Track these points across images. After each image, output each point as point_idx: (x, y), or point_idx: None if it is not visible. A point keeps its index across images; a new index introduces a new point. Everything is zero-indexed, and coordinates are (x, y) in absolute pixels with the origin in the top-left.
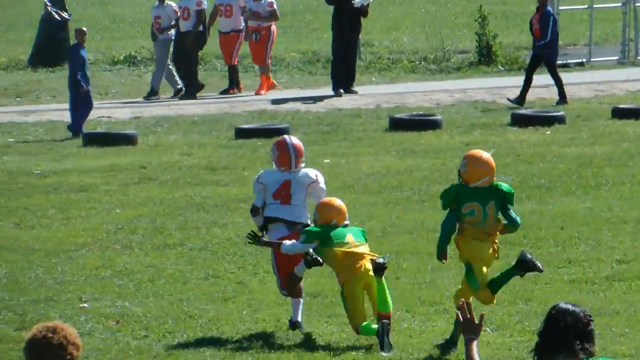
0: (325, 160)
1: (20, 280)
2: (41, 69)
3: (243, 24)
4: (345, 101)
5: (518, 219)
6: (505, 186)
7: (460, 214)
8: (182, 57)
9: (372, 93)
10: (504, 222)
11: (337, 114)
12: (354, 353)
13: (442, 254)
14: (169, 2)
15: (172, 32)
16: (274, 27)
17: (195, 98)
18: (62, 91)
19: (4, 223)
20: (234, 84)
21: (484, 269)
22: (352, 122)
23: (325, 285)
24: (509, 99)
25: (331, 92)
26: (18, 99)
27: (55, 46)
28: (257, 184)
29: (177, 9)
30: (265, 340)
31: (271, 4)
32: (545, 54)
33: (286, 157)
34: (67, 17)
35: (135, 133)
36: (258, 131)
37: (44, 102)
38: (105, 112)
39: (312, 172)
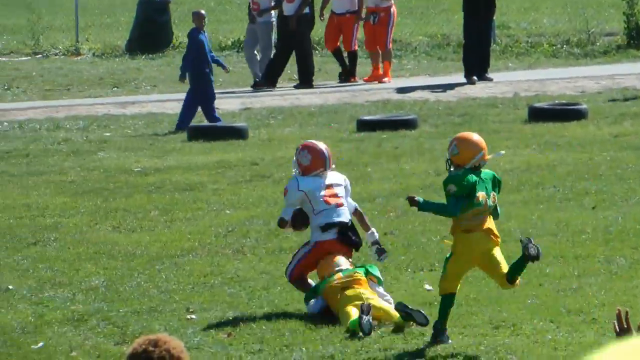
0: None
1: (121, 290)
2: (140, 55)
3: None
4: (479, 89)
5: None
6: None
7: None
8: (289, 43)
9: (508, 80)
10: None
11: (470, 103)
12: None
13: None
14: None
15: (273, 14)
16: (394, 8)
17: (311, 87)
18: (163, 80)
19: (102, 226)
20: (354, 72)
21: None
22: (487, 113)
23: (460, 294)
24: None
25: (463, 80)
26: (115, 89)
27: (155, 30)
28: (298, 192)
29: None
30: (395, 349)
31: None
32: None
33: (321, 161)
34: None
35: (246, 126)
36: (382, 123)
37: (144, 92)
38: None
39: (338, 174)
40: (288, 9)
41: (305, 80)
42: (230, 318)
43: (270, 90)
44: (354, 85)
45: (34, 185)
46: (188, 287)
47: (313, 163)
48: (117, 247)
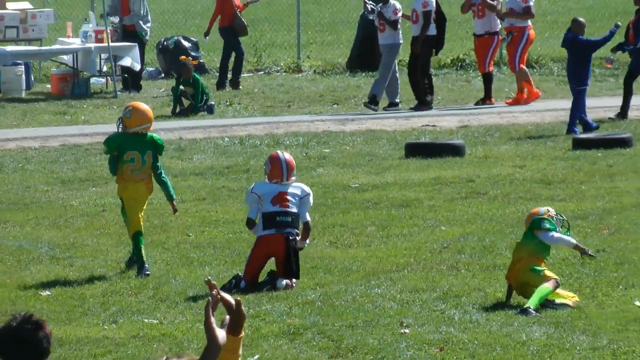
0: None
1: (336, 304)
2: (360, 73)
3: (499, 25)
4: None
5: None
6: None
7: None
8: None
9: None
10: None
11: None
12: None
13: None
14: (392, 1)
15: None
16: (529, 30)
17: (430, 108)
18: (383, 98)
19: (319, 241)
20: (489, 94)
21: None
22: None
23: None
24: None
25: None
26: (335, 105)
27: (375, 48)
28: (251, 194)
29: (398, 9)
30: None
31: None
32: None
33: (277, 170)
34: None
35: (463, 143)
36: (598, 141)
37: (363, 110)
38: (431, 120)
39: (305, 187)
40: (414, 29)
41: (421, 101)
42: (443, 333)
43: (488, 107)
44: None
45: None
46: (402, 302)
47: (272, 172)
48: (333, 262)
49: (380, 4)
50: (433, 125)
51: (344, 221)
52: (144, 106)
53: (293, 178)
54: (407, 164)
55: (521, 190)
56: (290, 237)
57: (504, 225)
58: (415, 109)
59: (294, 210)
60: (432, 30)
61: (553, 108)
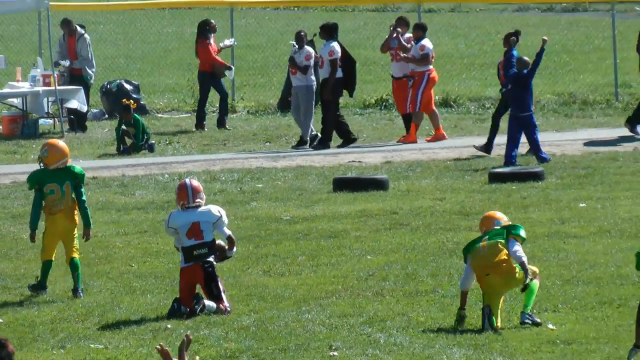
0: (581, 204)
1: (270, 329)
2: (290, 113)
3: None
4: (602, 146)
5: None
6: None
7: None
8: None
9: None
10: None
11: (593, 157)
12: None
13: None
14: (306, 47)
15: (313, 78)
16: (431, 73)
17: (327, 147)
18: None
19: (253, 270)
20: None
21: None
22: (609, 166)
23: (580, 332)
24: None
25: (585, 135)
26: (267, 143)
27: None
28: (169, 229)
29: (310, 55)
30: None
31: (422, 47)
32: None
33: (183, 194)
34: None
35: (387, 178)
36: (512, 175)
37: (290, 147)
38: (357, 157)
39: (215, 209)
40: (323, 74)
41: (324, 141)
42: (370, 355)
43: (408, 145)
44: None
45: None
46: (331, 326)
47: (179, 196)
48: (267, 290)
49: (295, 48)
50: (359, 162)
51: (276, 251)
52: (60, 143)
53: (199, 200)
54: (335, 197)
55: (441, 221)
56: (206, 265)
57: (426, 254)
58: (315, 147)
59: (209, 239)
60: (339, 74)
61: (470, 144)
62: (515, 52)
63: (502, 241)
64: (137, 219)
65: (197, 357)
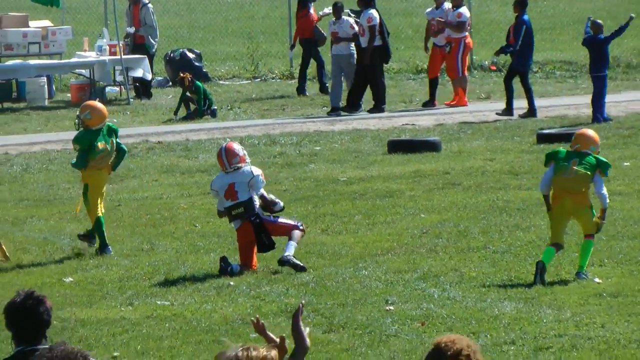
0: (625, 164)
1: (328, 285)
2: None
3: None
4: None
5: None
6: None
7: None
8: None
9: None
10: None
11: (637, 117)
12: None
13: None
14: (345, 18)
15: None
16: (467, 39)
17: (382, 111)
18: (366, 100)
19: (312, 229)
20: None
21: None
22: None
23: (626, 285)
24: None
25: (631, 97)
26: (324, 108)
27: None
28: (212, 191)
29: (353, 24)
30: (571, 339)
31: (459, 15)
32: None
33: (220, 160)
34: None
35: (439, 140)
36: (559, 136)
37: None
38: (410, 120)
39: (251, 169)
40: (362, 42)
41: (378, 106)
42: (424, 309)
43: (462, 107)
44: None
45: None
46: (387, 282)
47: (219, 164)
48: (325, 248)
49: (334, 19)
50: (412, 124)
51: (334, 211)
52: (99, 105)
53: (238, 163)
54: (390, 159)
55: (491, 181)
56: (252, 219)
57: (477, 212)
58: (371, 111)
59: (244, 198)
60: (378, 42)
61: (519, 107)
62: (526, 17)
63: (590, 173)
64: (201, 181)
65: (308, 329)
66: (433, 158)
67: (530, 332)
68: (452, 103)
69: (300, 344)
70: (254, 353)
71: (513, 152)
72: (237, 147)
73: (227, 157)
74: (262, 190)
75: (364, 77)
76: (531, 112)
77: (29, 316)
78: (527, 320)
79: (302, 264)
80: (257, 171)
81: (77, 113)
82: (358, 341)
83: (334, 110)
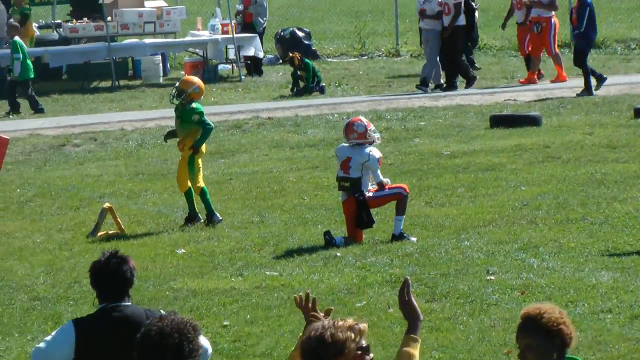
0: None
1: (431, 255)
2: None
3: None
4: None
5: None
6: None
7: None
8: (448, 51)
9: None
10: None
11: None
12: None
13: None
14: None
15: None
16: (554, 18)
17: (455, 89)
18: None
19: (416, 201)
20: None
21: None
22: None
23: None
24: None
25: None
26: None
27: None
28: (336, 156)
29: (440, 1)
30: None
31: None
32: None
33: (343, 131)
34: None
35: (540, 115)
36: None
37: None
38: (512, 95)
39: (370, 151)
40: (446, 20)
41: (450, 82)
42: (523, 279)
43: (562, 83)
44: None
45: None
46: (488, 252)
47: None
48: (429, 220)
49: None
50: (514, 100)
51: (438, 184)
52: (198, 79)
53: (356, 139)
54: (492, 133)
55: (590, 154)
56: (356, 195)
57: (576, 184)
58: (444, 89)
59: (354, 176)
60: (462, 21)
61: (617, 83)
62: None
63: None
64: (309, 156)
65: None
66: (534, 132)
67: (627, 301)
68: (553, 80)
69: (414, 316)
70: (340, 323)
71: (611, 127)
72: (358, 124)
73: (346, 130)
74: (379, 173)
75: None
76: (588, 89)
77: (112, 274)
78: (623, 289)
79: (411, 237)
80: (375, 155)
81: (179, 87)
82: (460, 310)
83: (423, 84)
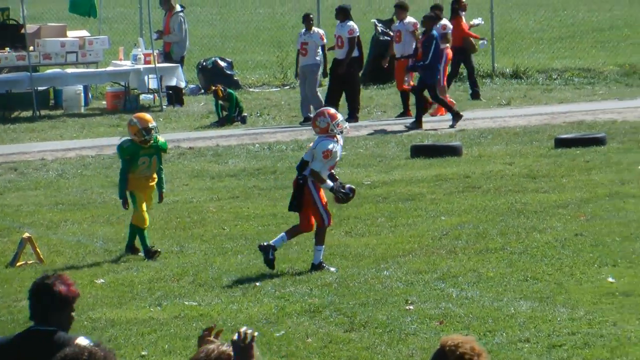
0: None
1: (350, 285)
2: (372, 86)
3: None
4: None
5: None
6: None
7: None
8: (341, 83)
9: None
10: None
11: None
12: None
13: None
14: (316, 29)
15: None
16: (448, 50)
17: (357, 120)
18: (391, 107)
19: (336, 231)
20: (407, 109)
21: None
22: None
23: (638, 285)
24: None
25: None
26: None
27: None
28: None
29: (323, 35)
30: (584, 337)
31: (444, 27)
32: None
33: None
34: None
35: (460, 144)
36: (576, 141)
37: (375, 117)
38: (433, 125)
39: (322, 142)
40: (339, 53)
41: (352, 115)
42: (443, 308)
43: (482, 114)
44: (552, 108)
45: (280, 197)
46: (407, 282)
47: None
48: (348, 249)
49: (304, 30)
50: (435, 130)
51: (358, 214)
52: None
53: (317, 130)
54: (412, 163)
55: (510, 184)
56: (299, 177)
57: (496, 214)
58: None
59: (306, 158)
60: (355, 53)
61: (538, 113)
62: (435, 33)
63: None
64: (230, 186)
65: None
66: (454, 162)
67: (545, 330)
68: (432, 113)
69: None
70: (211, 346)
71: (531, 157)
72: (321, 119)
73: (312, 123)
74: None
75: (340, 87)
76: (418, 123)
77: (37, 297)
78: (541, 318)
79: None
80: (322, 147)
81: (152, 125)
82: (378, 340)
83: (307, 120)
